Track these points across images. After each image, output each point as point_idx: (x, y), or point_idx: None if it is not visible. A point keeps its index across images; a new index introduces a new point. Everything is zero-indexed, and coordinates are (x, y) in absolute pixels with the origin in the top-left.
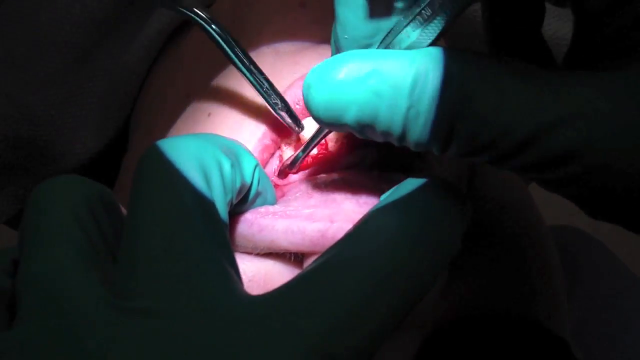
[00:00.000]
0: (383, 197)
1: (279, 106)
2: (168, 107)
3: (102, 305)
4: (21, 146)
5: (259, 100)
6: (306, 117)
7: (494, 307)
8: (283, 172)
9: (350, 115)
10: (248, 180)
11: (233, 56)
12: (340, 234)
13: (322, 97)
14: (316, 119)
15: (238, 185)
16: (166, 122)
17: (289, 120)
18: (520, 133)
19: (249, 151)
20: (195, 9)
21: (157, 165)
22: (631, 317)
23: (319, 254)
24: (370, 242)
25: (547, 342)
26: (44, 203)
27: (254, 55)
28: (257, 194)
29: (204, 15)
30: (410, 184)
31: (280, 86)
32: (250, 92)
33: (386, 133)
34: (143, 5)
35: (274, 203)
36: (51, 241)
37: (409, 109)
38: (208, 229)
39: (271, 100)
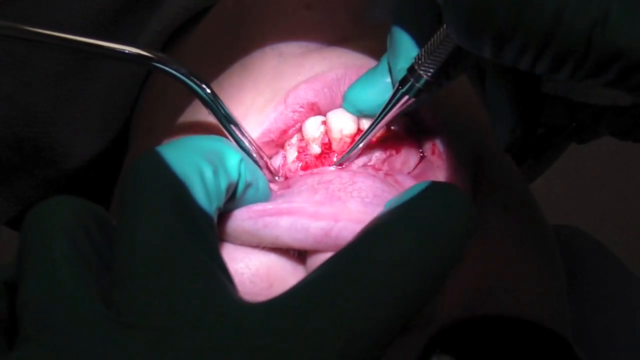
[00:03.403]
0: (388, 204)
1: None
2: (169, 106)
3: (101, 322)
4: (21, 147)
5: (261, 99)
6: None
7: (498, 307)
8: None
9: (500, 13)
10: (235, 178)
11: (215, 108)
12: (344, 233)
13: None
14: (458, 26)
15: (224, 188)
16: (168, 121)
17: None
18: None
19: (233, 146)
20: (173, 65)
21: (139, 181)
22: (631, 318)
23: (322, 252)
24: (373, 253)
25: (550, 343)
26: (39, 225)
27: (257, 57)
28: (247, 185)
29: (186, 73)
30: (416, 191)
31: (283, 88)
32: (251, 92)
33: (530, 34)
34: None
35: (267, 192)
36: (49, 262)
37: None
38: (196, 241)
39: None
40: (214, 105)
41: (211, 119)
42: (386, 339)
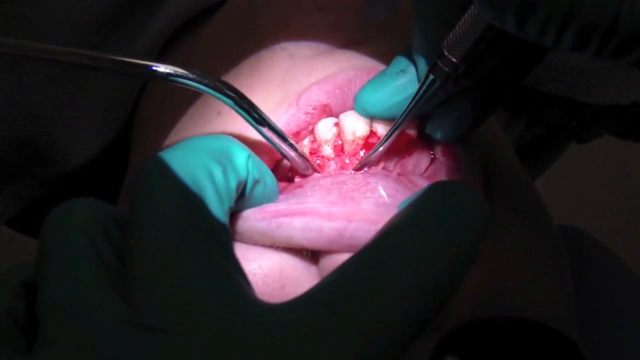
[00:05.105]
0: (402, 204)
1: (290, 151)
2: (176, 106)
3: (125, 324)
4: (21, 147)
5: (272, 101)
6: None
7: (506, 308)
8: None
9: None
10: (244, 176)
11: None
12: (357, 234)
13: None
14: None
15: (234, 187)
16: (175, 121)
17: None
18: None
19: (239, 143)
20: (200, 79)
21: (149, 187)
22: (632, 318)
23: (336, 252)
24: (390, 254)
25: (557, 344)
26: (58, 226)
27: (268, 58)
28: (255, 182)
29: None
30: (429, 191)
31: (295, 90)
32: (261, 94)
33: (553, 5)
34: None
35: (275, 189)
36: (70, 264)
37: None
38: (211, 244)
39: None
40: (246, 111)
41: (220, 118)
42: (406, 339)
